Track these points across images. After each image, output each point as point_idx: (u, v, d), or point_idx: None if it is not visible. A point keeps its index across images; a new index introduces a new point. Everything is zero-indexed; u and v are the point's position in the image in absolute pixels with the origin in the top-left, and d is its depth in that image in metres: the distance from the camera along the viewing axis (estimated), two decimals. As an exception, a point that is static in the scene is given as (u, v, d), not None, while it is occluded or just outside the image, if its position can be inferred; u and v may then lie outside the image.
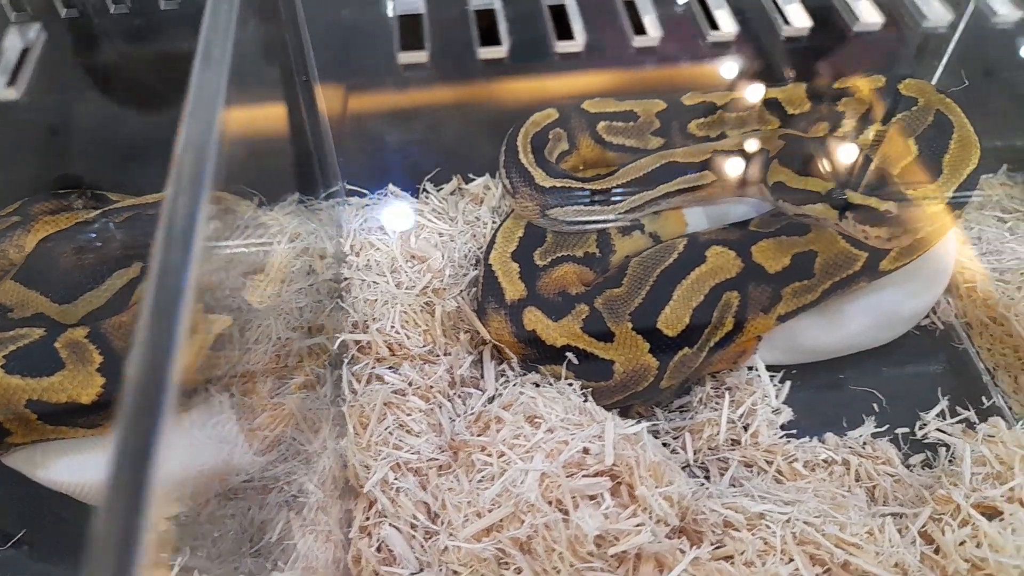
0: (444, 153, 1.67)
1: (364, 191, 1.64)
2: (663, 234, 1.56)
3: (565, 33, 1.53)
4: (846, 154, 1.32)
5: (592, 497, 1.15)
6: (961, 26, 1.41)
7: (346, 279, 1.44)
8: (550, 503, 1.13)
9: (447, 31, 1.50)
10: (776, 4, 1.49)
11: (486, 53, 1.47)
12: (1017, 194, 1.85)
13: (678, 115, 1.51)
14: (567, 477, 1.15)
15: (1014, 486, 1.23)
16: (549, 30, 1.48)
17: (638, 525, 1.12)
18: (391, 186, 1.65)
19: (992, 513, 1.23)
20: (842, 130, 1.52)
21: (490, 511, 1.17)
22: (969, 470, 1.29)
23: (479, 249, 1.54)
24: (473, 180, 1.70)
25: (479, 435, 1.26)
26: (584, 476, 1.14)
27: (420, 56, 1.44)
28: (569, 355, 1.30)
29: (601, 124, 1.50)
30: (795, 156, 1.35)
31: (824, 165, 1.30)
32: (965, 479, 1.28)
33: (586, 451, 1.14)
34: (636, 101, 1.51)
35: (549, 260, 1.45)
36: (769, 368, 1.58)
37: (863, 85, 1.53)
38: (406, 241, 1.46)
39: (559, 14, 1.55)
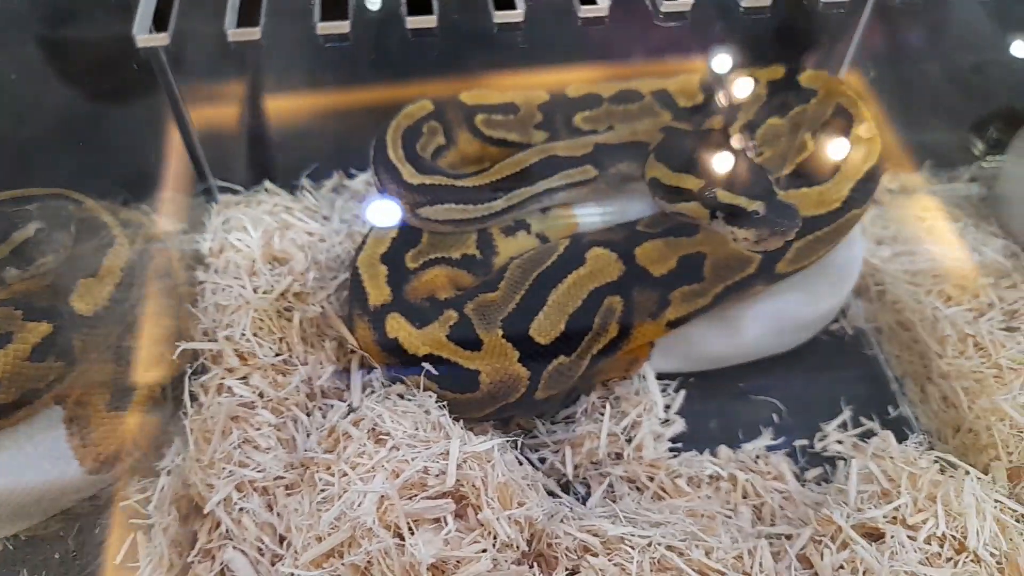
0: (329, 147, 1.58)
1: (238, 188, 1.54)
2: (551, 234, 1.46)
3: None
4: (726, 150, 1.23)
5: (435, 520, 1.06)
6: (867, 10, 1.32)
7: (201, 282, 1.34)
8: (387, 527, 1.04)
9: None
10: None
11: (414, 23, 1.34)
12: (940, 191, 1.77)
13: (562, 107, 1.41)
14: (408, 499, 1.06)
15: (899, 505, 1.15)
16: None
17: (480, 551, 1.03)
18: (267, 182, 1.55)
19: (875, 535, 1.15)
20: (738, 124, 1.43)
21: (329, 535, 1.08)
22: (855, 488, 1.20)
23: (355, 249, 1.44)
24: (356, 176, 1.61)
25: (328, 452, 1.17)
26: (424, 498, 1.05)
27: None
28: (426, 365, 1.20)
29: (479, 117, 1.41)
30: (671, 151, 1.26)
31: (702, 161, 1.22)
32: (851, 498, 1.20)
33: (427, 471, 1.05)
34: (517, 92, 1.41)
35: (421, 263, 1.35)
36: (666, 376, 1.49)
37: (761, 76, 1.44)
38: (269, 242, 1.36)
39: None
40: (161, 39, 1.10)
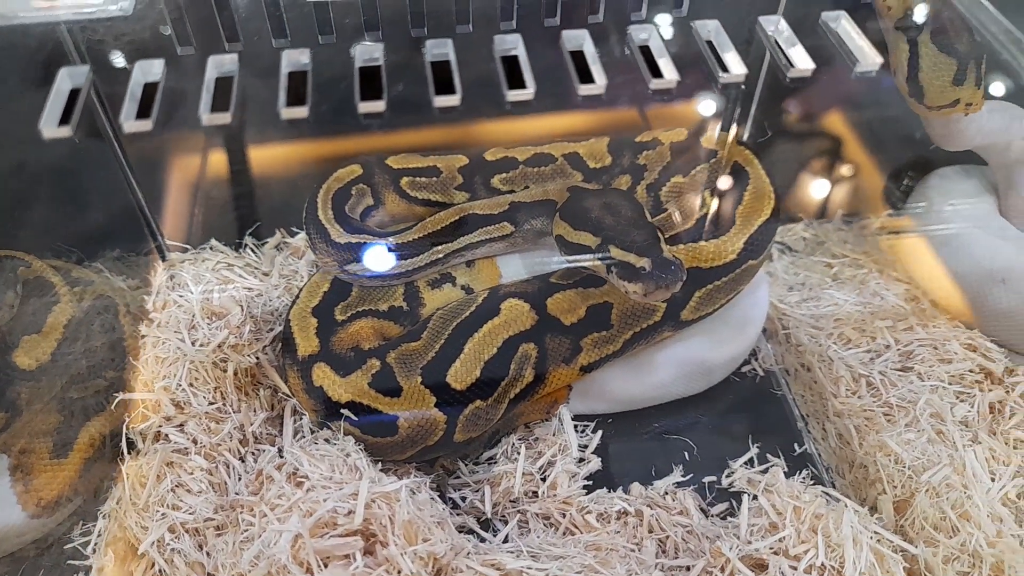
0: (272, 206, 1.69)
1: (186, 247, 1.65)
2: (476, 285, 1.57)
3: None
4: (623, 209, 1.35)
5: (344, 557, 1.15)
6: (761, 79, 1.44)
7: (144, 336, 1.44)
8: (300, 564, 1.13)
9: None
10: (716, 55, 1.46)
11: (367, 107, 1.44)
12: (850, 239, 1.89)
13: (481, 170, 1.53)
14: (319, 537, 1.14)
15: (783, 537, 1.24)
16: (429, 85, 1.43)
17: (384, 586, 1.12)
18: (213, 241, 1.66)
19: (761, 565, 1.23)
20: (644, 183, 1.55)
21: (250, 572, 1.16)
22: (746, 522, 1.29)
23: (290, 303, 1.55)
24: (297, 233, 1.72)
25: (253, 494, 1.26)
26: (334, 536, 1.14)
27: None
28: (345, 411, 1.30)
29: (405, 179, 1.53)
30: (573, 210, 1.37)
31: (599, 220, 1.33)
32: (742, 531, 1.28)
33: (337, 511, 1.14)
34: (439, 157, 1.53)
35: (349, 315, 1.46)
36: (585, 418, 1.59)
37: (665, 138, 1.56)
38: (208, 297, 1.46)
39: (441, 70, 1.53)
40: (144, 125, 1.17)
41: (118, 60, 1.07)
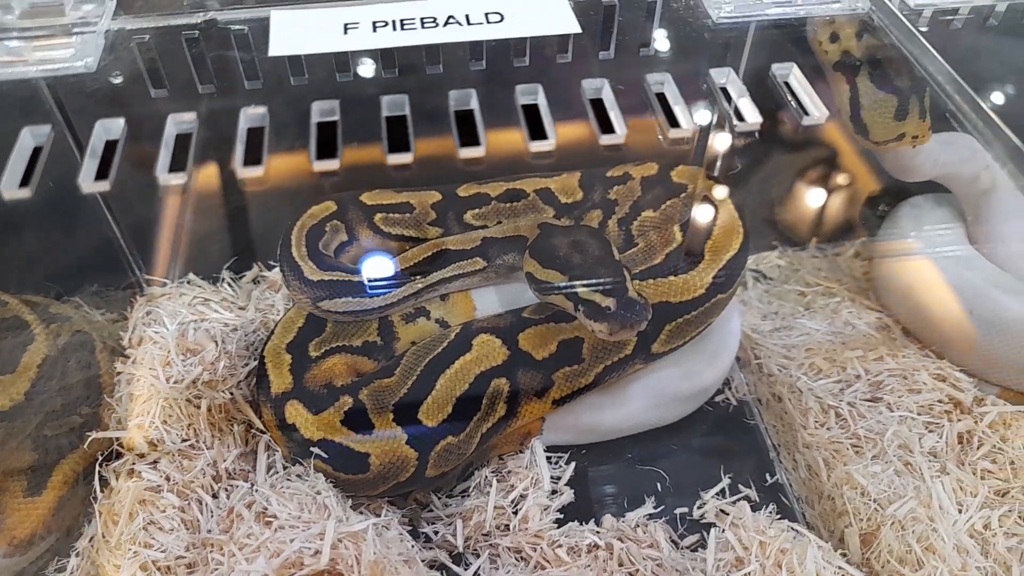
0: (249, 240, 1.71)
1: (165, 281, 1.67)
2: (451, 319, 1.58)
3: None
4: (592, 246, 1.36)
5: (313, 597, 1.16)
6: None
7: (119, 373, 1.46)
8: (268, 605, 1.14)
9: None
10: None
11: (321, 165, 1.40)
12: (824, 267, 1.91)
13: (454, 206, 1.55)
14: (286, 578, 1.16)
15: (748, 572, 1.25)
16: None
17: (350, 626, 1.13)
18: (191, 275, 1.68)
19: (726, 600, 1.25)
20: (615, 218, 1.57)
21: (219, 612, 1.18)
22: (713, 556, 1.31)
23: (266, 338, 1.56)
24: (275, 267, 1.74)
25: (224, 532, 1.27)
26: (301, 577, 1.15)
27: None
28: (315, 449, 1.31)
29: (378, 215, 1.55)
30: (542, 248, 1.39)
31: (567, 258, 1.35)
32: (708, 565, 1.30)
33: (303, 551, 1.15)
34: (412, 193, 1.55)
35: (323, 351, 1.47)
36: (557, 448, 1.60)
37: (635, 173, 1.59)
38: (184, 334, 1.48)
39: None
40: (103, 186, 1.18)
41: (82, 117, 1.09)
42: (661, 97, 1.07)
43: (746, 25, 1.18)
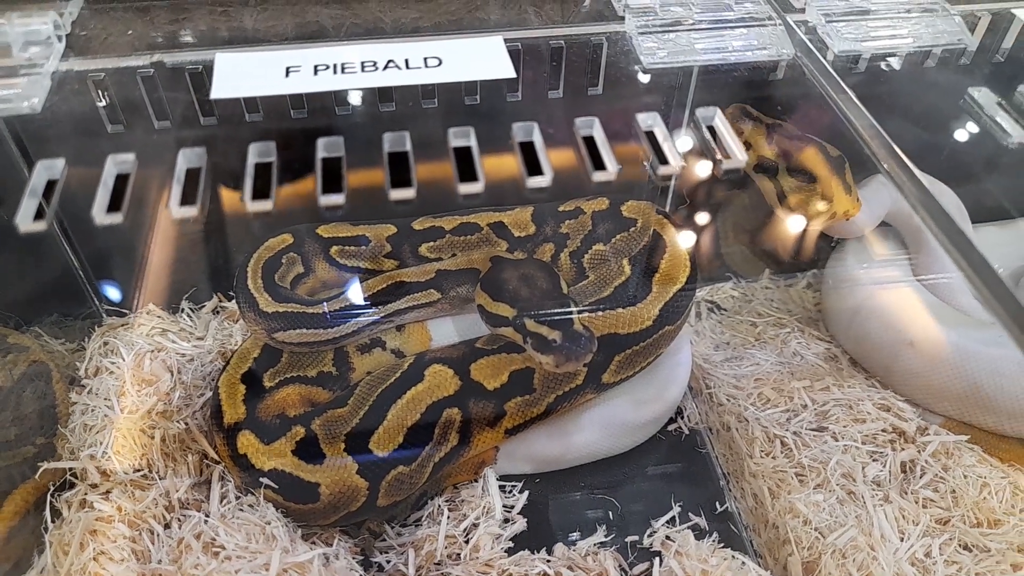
0: (209, 270, 1.73)
1: (124, 311, 1.69)
2: (407, 349, 1.61)
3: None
4: (540, 280, 1.40)
5: (257, 628, 1.17)
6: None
7: (74, 403, 1.47)
8: (212, 636, 1.15)
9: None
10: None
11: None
12: (777, 297, 1.95)
13: (409, 239, 1.58)
14: (231, 609, 1.17)
15: (690, 601, 1.28)
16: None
17: (293, 657, 1.14)
18: (151, 305, 1.70)
19: (668, 629, 1.27)
20: (566, 251, 1.61)
21: (164, 643, 1.18)
22: (657, 584, 1.33)
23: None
24: (234, 297, 1.76)
25: (173, 562, 1.28)
26: (246, 608, 1.17)
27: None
28: (265, 480, 1.33)
29: (334, 248, 1.58)
30: (493, 281, 1.42)
31: (516, 291, 1.38)
32: (653, 594, 1.32)
33: (248, 582, 1.17)
34: (368, 226, 1.58)
35: (277, 381, 1.49)
36: (511, 478, 1.63)
37: (587, 207, 1.63)
38: (140, 364, 1.50)
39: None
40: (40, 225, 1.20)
41: (21, 157, 1.12)
42: (590, 140, 1.11)
43: (680, 70, 1.23)
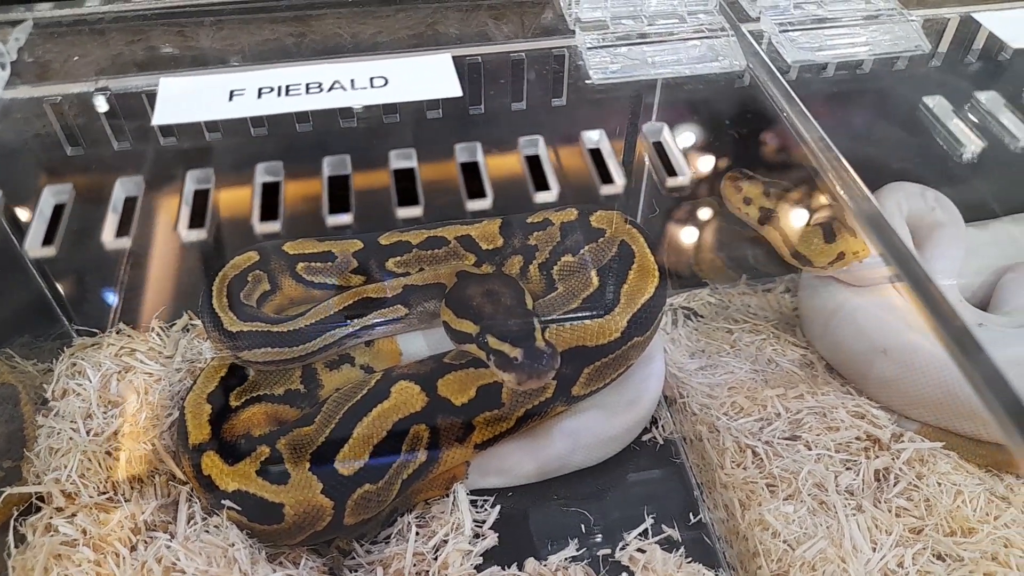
0: (179, 289, 1.73)
1: (94, 331, 1.68)
2: (376, 365, 1.60)
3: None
4: (504, 296, 1.39)
5: (217, 653, 1.17)
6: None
7: (40, 426, 1.47)
8: (172, 662, 1.15)
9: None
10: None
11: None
12: (754, 303, 1.94)
13: (375, 254, 1.58)
14: (191, 634, 1.17)
15: (656, 617, 1.27)
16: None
17: None
18: (121, 324, 1.70)
19: (635, 645, 1.26)
20: (535, 263, 1.59)
21: (125, 669, 1.18)
22: (625, 599, 1.32)
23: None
24: (205, 316, 1.75)
25: (137, 587, 1.28)
26: (205, 633, 1.16)
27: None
28: (227, 501, 1.32)
29: (300, 265, 1.57)
30: (457, 297, 1.41)
31: (479, 308, 1.37)
32: (620, 609, 1.31)
33: (207, 607, 1.17)
34: (334, 242, 1.58)
35: (243, 400, 1.49)
36: (483, 492, 1.62)
37: (555, 219, 1.62)
38: (106, 385, 1.50)
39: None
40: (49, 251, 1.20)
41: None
42: (535, 159, 1.10)
43: (632, 85, 1.22)
